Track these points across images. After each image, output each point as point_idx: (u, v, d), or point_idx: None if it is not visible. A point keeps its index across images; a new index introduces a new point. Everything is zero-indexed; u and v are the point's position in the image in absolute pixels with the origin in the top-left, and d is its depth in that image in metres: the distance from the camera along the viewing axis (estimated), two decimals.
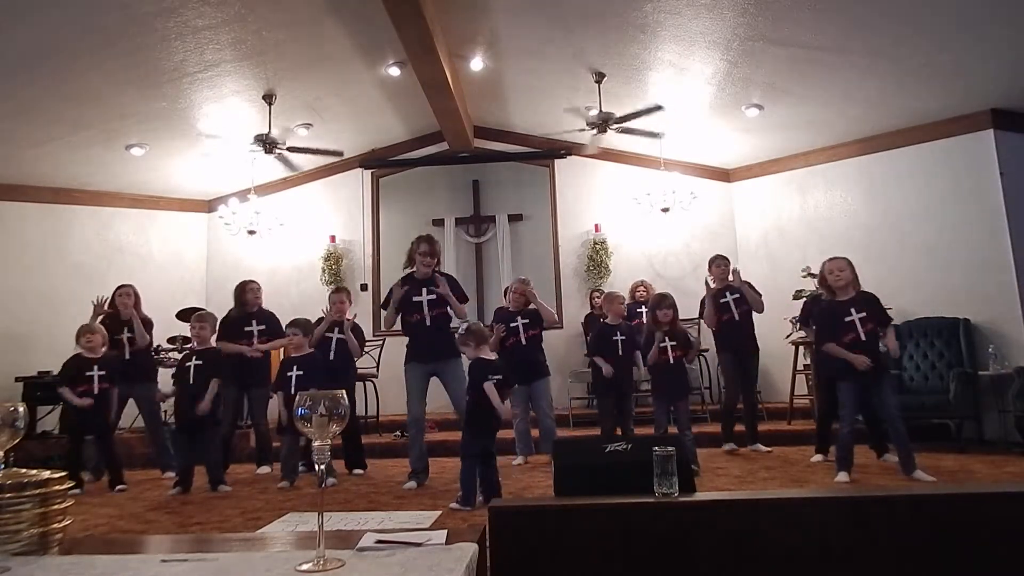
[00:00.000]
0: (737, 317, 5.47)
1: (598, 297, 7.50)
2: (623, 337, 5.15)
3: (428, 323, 4.59)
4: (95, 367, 4.83)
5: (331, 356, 5.17)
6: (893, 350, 4.37)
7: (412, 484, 4.41)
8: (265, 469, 5.28)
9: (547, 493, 3.76)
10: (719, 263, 5.71)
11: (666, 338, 4.74)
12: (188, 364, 4.72)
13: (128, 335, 5.42)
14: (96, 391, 4.78)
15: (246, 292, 5.47)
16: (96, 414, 4.79)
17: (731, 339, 5.51)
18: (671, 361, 4.69)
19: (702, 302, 5.73)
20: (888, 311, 6.40)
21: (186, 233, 8.33)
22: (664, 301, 4.85)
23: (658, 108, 6.46)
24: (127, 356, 5.39)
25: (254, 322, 5.38)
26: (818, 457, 4.97)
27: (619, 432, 5.13)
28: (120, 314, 5.45)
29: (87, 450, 5.00)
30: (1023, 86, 5.68)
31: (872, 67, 5.57)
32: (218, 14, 5.04)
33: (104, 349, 4.99)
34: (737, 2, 4.93)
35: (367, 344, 7.21)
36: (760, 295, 5.56)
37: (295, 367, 4.72)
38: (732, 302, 5.51)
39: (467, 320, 4.75)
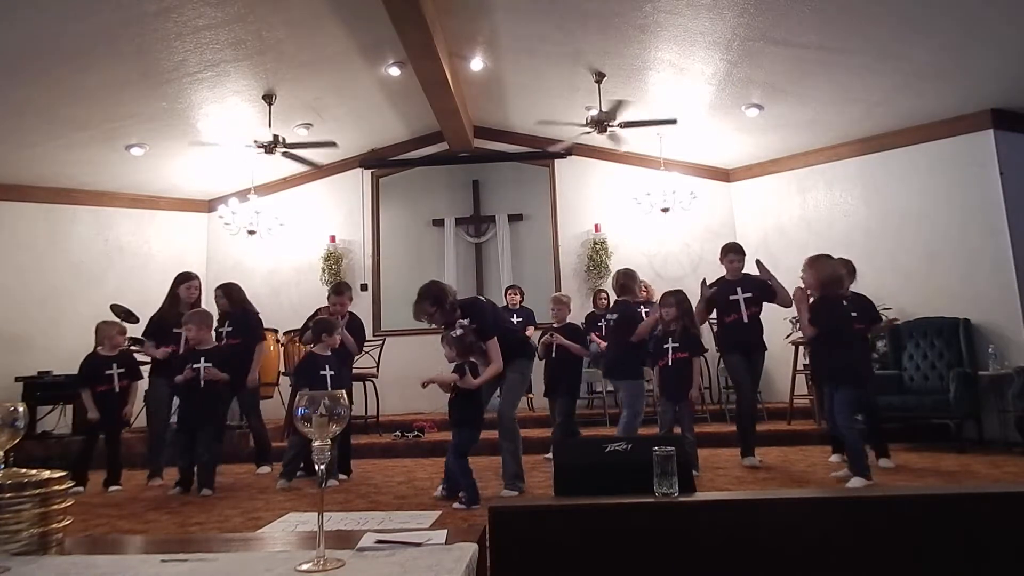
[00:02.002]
0: (746, 319, 4.96)
1: (604, 297, 7.51)
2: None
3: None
4: (114, 365, 4.86)
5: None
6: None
7: None
8: (265, 469, 5.27)
9: (547, 493, 3.76)
10: (732, 258, 5.15)
11: (669, 339, 4.73)
12: (197, 366, 4.66)
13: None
14: (117, 389, 4.84)
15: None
16: (113, 412, 4.84)
17: (737, 338, 4.99)
18: (670, 364, 4.66)
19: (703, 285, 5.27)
20: (887, 311, 6.45)
21: (186, 233, 8.33)
22: (663, 300, 4.83)
23: (672, 122, 6.47)
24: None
25: (226, 323, 5.34)
26: (835, 457, 4.83)
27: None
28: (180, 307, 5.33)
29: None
30: (1023, 86, 5.68)
31: (872, 67, 5.57)
32: (218, 14, 5.04)
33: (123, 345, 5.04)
34: (737, 2, 4.93)
35: (366, 344, 7.24)
36: (782, 287, 5.00)
37: (327, 366, 4.68)
38: (742, 301, 5.00)
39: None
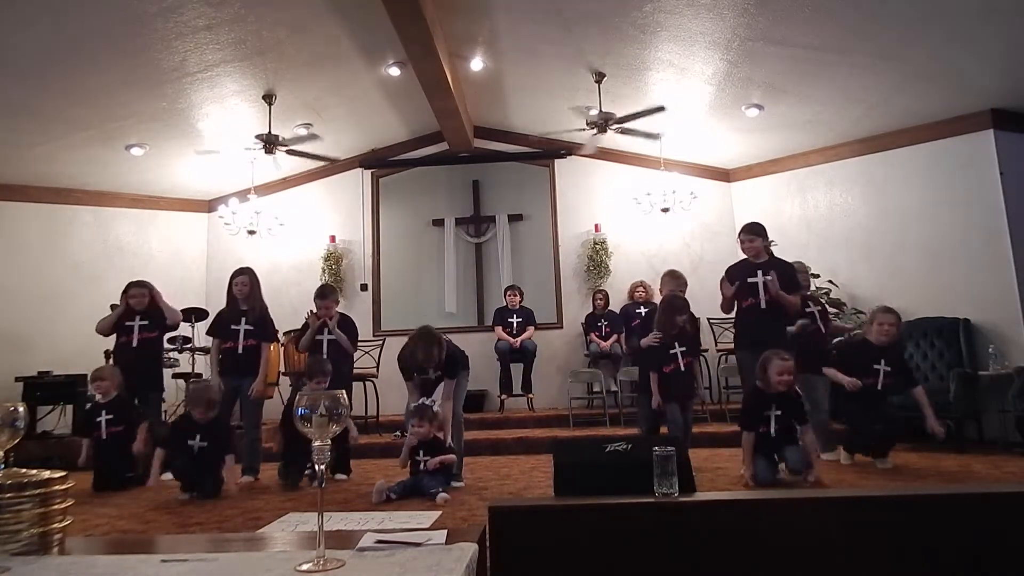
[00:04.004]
0: (764, 305, 4.59)
1: (601, 298, 7.51)
2: (683, 349, 4.68)
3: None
4: (102, 412, 4.82)
5: (325, 357, 5.06)
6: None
7: None
8: (248, 478, 4.94)
9: (547, 493, 3.76)
10: (743, 238, 4.78)
11: (675, 343, 4.69)
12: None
13: (141, 323, 5.24)
14: (105, 436, 4.78)
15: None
16: (110, 460, 4.77)
17: (753, 331, 4.59)
18: (682, 368, 4.65)
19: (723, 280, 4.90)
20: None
21: (186, 233, 8.33)
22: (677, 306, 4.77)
23: (660, 109, 6.45)
24: (134, 344, 5.23)
25: (243, 320, 5.12)
26: (828, 455, 4.77)
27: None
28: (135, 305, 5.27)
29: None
30: (1023, 86, 5.68)
31: (872, 67, 5.57)
32: (218, 14, 5.04)
33: (115, 392, 4.92)
34: (737, 2, 4.93)
35: (366, 344, 7.24)
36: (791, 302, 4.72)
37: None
38: (762, 284, 4.60)
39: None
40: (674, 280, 5.11)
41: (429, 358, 4.30)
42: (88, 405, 5.06)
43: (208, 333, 5.31)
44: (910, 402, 5.63)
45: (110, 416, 4.82)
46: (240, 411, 5.23)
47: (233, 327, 5.02)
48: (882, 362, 4.60)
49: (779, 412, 4.10)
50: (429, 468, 4.11)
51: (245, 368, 4.98)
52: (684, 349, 4.69)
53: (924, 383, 5.94)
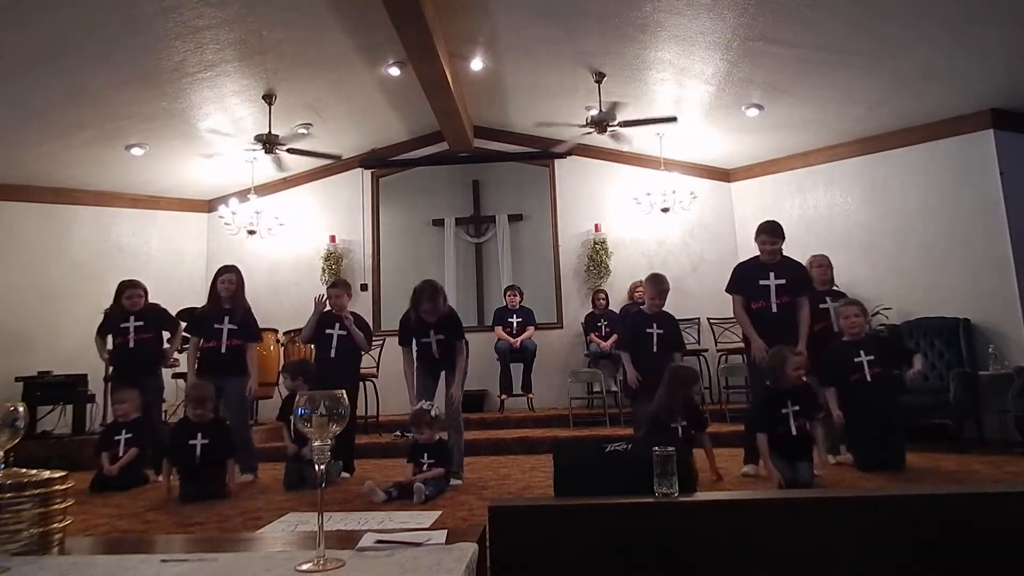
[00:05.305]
0: (775, 308, 4.35)
1: (603, 298, 7.52)
2: (660, 331, 4.54)
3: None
4: (123, 431, 4.85)
5: (332, 354, 5.02)
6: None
7: None
8: (248, 477, 4.91)
9: (547, 493, 3.76)
10: (763, 239, 4.50)
11: (676, 417, 4.28)
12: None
13: (136, 323, 5.21)
14: (121, 453, 4.79)
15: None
16: (125, 472, 4.78)
17: (765, 336, 4.33)
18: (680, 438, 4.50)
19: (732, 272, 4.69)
20: (887, 311, 6.44)
21: (186, 233, 8.33)
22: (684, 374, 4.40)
23: (672, 119, 6.46)
24: (131, 345, 5.19)
25: (226, 319, 5.04)
26: (827, 458, 4.73)
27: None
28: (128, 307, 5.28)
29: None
30: (1023, 86, 5.68)
31: (872, 67, 5.57)
32: (218, 14, 5.04)
33: (136, 414, 4.93)
34: (737, 2, 4.93)
35: None
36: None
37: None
38: (774, 287, 4.37)
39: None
40: (655, 286, 4.77)
41: (435, 310, 4.40)
42: (106, 424, 5.11)
43: (188, 331, 5.28)
44: (913, 402, 5.63)
45: (129, 435, 4.85)
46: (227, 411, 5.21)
47: (216, 326, 4.95)
48: (862, 353, 4.50)
49: (796, 407, 3.98)
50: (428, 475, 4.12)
51: (228, 368, 4.91)
52: (685, 423, 4.21)
53: (924, 383, 5.95)
